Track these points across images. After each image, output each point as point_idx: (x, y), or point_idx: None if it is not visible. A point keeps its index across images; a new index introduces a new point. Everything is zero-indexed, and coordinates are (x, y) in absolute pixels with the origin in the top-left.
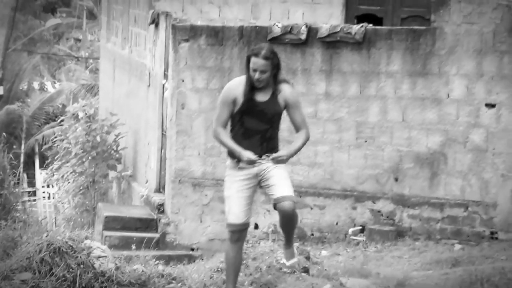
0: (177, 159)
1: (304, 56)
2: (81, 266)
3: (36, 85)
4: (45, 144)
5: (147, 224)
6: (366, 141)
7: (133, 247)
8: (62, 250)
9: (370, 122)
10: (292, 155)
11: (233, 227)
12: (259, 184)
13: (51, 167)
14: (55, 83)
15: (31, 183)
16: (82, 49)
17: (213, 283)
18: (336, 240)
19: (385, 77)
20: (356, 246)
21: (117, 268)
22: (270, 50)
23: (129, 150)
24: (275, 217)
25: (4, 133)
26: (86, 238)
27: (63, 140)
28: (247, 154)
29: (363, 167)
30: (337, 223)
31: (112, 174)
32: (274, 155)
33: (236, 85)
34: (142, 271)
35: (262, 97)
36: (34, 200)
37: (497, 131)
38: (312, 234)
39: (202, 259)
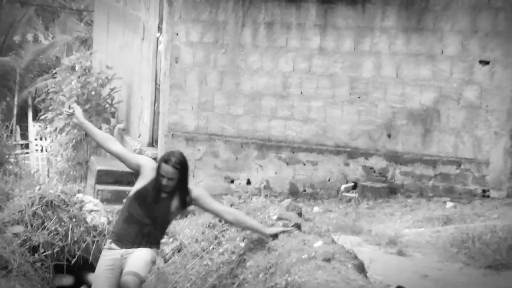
0: (170, 113)
1: (298, 10)
2: (73, 220)
3: (29, 37)
4: (38, 96)
5: None
6: (359, 97)
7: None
8: (55, 203)
9: (364, 78)
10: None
11: None
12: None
13: (44, 119)
14: (48, 35)
15: (24, 135)
16: (77, 1)
17: (205, 238)
18: (328, 196)
19: (380, 32)
20: (348, 203)
21: (109, 222)
22: (180, 160)
23: (122, 104)
24: (268, 173)
25: None
26: (79, 191)
27: (57, 92)
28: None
29: (356, 123)
30: (329, 180)
31: (105, 127)
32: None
33: (151, 169)
34: None
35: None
36: (27, 153)
37: (490, 88)
38: (304, 190)
39: (194, 214)
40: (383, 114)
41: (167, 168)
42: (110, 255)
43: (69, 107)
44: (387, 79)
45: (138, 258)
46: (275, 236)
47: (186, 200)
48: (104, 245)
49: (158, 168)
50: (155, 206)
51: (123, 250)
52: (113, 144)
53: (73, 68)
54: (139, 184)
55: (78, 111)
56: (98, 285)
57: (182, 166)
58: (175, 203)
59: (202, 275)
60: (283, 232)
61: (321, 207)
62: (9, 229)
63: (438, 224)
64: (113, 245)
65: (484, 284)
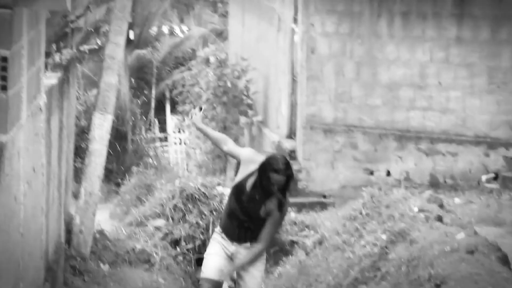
0: (308, 104)
1: (435, 0)
2: (214, 213)
3: (165, 29)
4: (175, 89)
5: None
6: (498, 87)
7: None
8: (195, 196)
9: (502, 67)
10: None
11: (204, 281)
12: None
13: (181, 112)
14: (181, 28)
15: (162, 128)
16: None
17: (346, 230)
18: (469, 187)
19: None
20: (490, 193)
21: None
22: (289, 166)
23: (259, 96)
24: (407, 164)
25: (134, 79)
26: (218, 184)
27: (194, 85)
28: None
29: (496, 113)
30: (470, 171)
31: (243, 119)
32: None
33: (248, 162)
34: None
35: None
36: (166, 145)
37: None
38: (445, 182)
39: (334, 206)
40: None
41: (280, 178)
42: (222, 243)
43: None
44: None
45: (255, 284)
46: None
47: (272, 207)
48: (217, 227)
49: (267, 176)
50: (249, 205)
51: (234, 248)
52: (224, 144)
53: (208, 60)
54: (238, 177)
55: (197, 116)
56: (209, 266)
57: (292, 173)
58: (265, 207)
59: (344, 268)
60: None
61: (462, 198)
62: (151, 223)
63: None
64: (224, 235)
65: None
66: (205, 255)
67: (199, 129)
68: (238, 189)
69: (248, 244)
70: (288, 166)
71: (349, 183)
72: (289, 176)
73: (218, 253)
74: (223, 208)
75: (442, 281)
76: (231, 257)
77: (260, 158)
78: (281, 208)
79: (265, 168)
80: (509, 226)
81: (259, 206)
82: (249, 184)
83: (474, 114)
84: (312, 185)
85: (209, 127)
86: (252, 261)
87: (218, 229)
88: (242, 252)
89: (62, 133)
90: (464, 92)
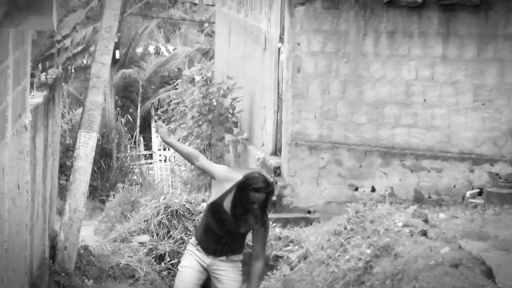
0: (293, 122)
1: (420, 19)
2: None
3: (151, 49)
4: (161, 107)
5: None
6: (483, 104)
7: None
8: (180, 213)
9: (487, 85)
10: None
11: None
12: (208, 275)
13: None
14: (167, 47)
15: (148, 146)
16: (198, 13)
17: (330, 245)
18: (453, 203)
19: (503, 39)
20: (474, 209)
21: None
22: (268, 184)
23: (245, 113)
24: (392, 180)
25: (120, 97)
26: (203, 201)
27: (179, 103)
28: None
29: (481, 130)
30: (454, 186)
31: (228, 137)
32: None
33: (224, 181)
34: None
35: None
36: (151, 163)
37: None
38: (430, 197)
39: (319, 222)
40: (508, 120)
41: (260, 196)
42: (198, 255)
43: (156, 123)
44: (511, 86)
45: None
46: None
47: (254, 223)
48: (191, 238)
49: (246, 194)
50: (229, 223)
51: (210, 260)
52: (196, 160)
53: (193, 79)
54: (214, 195)
55: (163, 129)
56: (182, 279)
57: (272, 190)
58: (245, 223)
59: (328, 282)
60: None
61: (446, 213)
62: (135, 239)
63: None
64: (199, 247)
65: None
66: (179, 267)
67: (167, 143)
68: (215, 208)
69: (224, 258)
70: (267, 183)
71: (334, 199)
72: (268, 193)
73: (192, 266)
74: (200, 222)
75: None
76: (206, 269)
77: (236, 176)
78: (264, 223)
79: (244, 187)
80: (493, 240)
81: (239, 223)
82: (226, 202)
83: (459, 131)
84: (297, 201)
85: (179, 141)
86: (260, 283)
87: (193, 240)
88: (218, 264)
89: (47, 150)
90: (449, 109)
